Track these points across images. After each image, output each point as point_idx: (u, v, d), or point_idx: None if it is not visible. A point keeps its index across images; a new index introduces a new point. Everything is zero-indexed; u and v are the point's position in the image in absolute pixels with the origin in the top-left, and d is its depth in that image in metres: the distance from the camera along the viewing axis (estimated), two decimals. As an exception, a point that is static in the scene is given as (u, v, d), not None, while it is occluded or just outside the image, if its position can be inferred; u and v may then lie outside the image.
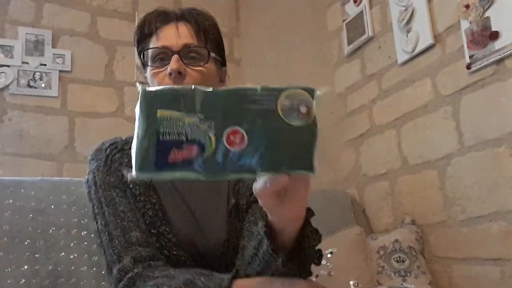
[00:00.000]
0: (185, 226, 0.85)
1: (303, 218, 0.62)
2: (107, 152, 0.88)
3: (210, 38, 0.89)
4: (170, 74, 0.83)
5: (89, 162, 0.90)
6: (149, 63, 0.88)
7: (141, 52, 0.92)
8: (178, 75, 0.83)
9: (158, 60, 0.87)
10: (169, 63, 0.84)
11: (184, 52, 0.85)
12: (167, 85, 0.83)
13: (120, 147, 0.89)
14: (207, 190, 0.90)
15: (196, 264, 0.82)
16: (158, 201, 0.86)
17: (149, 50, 0.88)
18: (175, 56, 0.84)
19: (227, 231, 0.86)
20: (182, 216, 0.87)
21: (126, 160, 0.86)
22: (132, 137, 0.91)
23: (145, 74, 0.94)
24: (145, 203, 0.84)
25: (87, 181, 0.88)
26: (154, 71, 0.86)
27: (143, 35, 0.91)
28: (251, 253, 0.72)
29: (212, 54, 0.88)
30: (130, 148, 0.89)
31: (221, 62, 0.94)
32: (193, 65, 0.85)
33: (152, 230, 0.82)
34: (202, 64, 0.86)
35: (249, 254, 0.73)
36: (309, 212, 0.68)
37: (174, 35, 0.86)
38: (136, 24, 0.95)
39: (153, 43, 0.88)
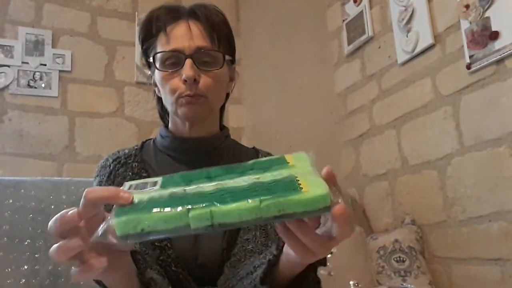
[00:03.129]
0: (186, 240, 0.83)
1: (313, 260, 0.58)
2: (111, 168, 0.86)
3: (222, 38, 0.85)
4: (185, 80, 0.79)
5: (94, 179, 0.88)
6: (158, 67, 0.83)
7: (148, 52, 0.87)
8: (193, 82, 0.79)
9: (170, 64, 0.82)
10: (181, 67, 0.80)
11: (198, 56, 0.81)
12: (182, 90, 0.80)
13: (124, 161, 0.87)
14: None
15: (195, 279, 0.80)
16: None
17: (159, 53, 0.82)
18: (189, 61, 0.79)
19: (226, 240, 0.83)
20: None
21: (130, 173, 0.85)
22: (135, 148, 0.91)
23: (149, 73, 0.91)
24: None
25: None
26: (166, 76, 0.82)
27: (150, 33, 0.86)
28: (248, 270, 0.69)
29: (226, 57, 0.85)
30: (133, 161, 0.86)
31: (231, 60, 0.90)
32: (207, 69, 0.82)
33: (156, 243, 0.80)
34: (216, 69, 0.82)
35: (246, 270, 0.71)
36: (321, 260, 0.61)
37: (186, 36, 0.81)
38: (142, 21, 0.89)
39: (163, 43, 0.83)
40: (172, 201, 0.44)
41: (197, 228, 0.42)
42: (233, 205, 0.42)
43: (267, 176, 0.46)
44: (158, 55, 0.83)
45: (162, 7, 0.86)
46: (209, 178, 0.48)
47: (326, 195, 0.43)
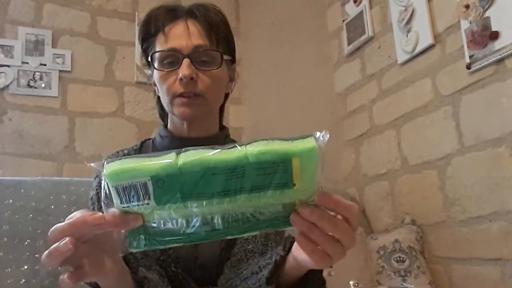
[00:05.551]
0: None
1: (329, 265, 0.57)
2: None
3: (221, 37, 0.85)
4: (181, 79, 0.79)
5: (93, 179, 0.88)
6: (156, 66, 0.83)
7: (147, 52, 0.87)
8: (190, 81, 0.79)
9: (167, 63, 0.82)
10: (179, 67, 0.80)
11: (196, 55, 0.81)
12: (177, 90, 0.80)
13: None
14: None
15: (195, 279, 0.80)
16: None
17: (157, 53, 0.82)
18: (187, 60, 0.79)
19: (225, 240, 0.83)
20: None
21: None
22: (135, 148, 0.91)
23: (149, 72, 0.91)
24: None
25: (91, 198, 0.86)
26: (163, 75, 0.82)
27: (149, 33, 0.86)
28: (253, 270, 0.69)
29: (225, 57, 0.84)
30: None
31: (231, 60, 0.90)
32: (205, 69, 0.81)
33: None
34: (214, 68, 0.82)
35: (250, 270, 0.71)
36: None
37: (184, 35, 0.81)
38: (141, 21, 0.90)
39: (161, 43, 0.83)
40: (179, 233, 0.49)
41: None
42: None
43: (267, 204, 0.48)
44: (156, 54, 0.83)
45: (161, 7, 0.87)
46: (207, 197, 0.45)
47: None
